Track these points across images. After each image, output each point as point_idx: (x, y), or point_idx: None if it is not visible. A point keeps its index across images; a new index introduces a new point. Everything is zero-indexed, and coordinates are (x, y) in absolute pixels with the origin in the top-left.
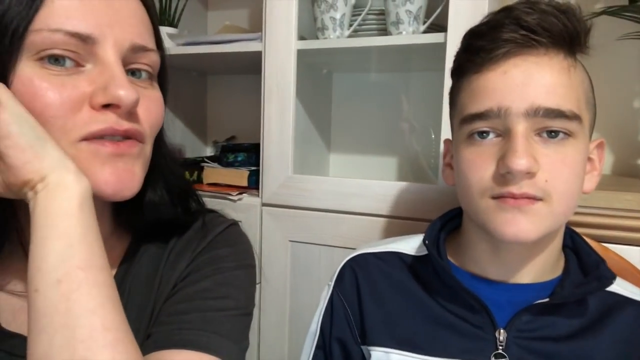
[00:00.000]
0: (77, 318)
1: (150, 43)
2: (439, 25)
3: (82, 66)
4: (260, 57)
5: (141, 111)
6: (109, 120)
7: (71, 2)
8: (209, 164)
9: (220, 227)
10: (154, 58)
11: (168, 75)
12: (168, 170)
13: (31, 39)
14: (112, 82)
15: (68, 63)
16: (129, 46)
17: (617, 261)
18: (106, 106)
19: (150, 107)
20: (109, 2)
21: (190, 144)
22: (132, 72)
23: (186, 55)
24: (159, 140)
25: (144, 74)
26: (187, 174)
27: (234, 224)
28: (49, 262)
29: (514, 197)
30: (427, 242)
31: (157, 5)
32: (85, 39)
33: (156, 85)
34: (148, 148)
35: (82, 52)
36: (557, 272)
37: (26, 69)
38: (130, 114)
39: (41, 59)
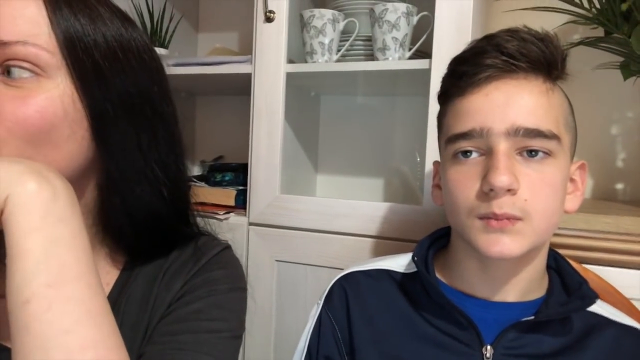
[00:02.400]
0: (51, 340)
1: (17, 35)
2: (424, 52)
3: None
4: (250, 79)
5: None
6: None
7: None
8: (196, 183)
9: (214, 250)
10: (24, 51)
11: (124, 78)
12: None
13: None
14: None
15: None
16: None
17: (596, 282)
18: None
19: (6, 107)
20: None
21: None
22: (8, 72)
23: (176, 76)
24: (139, 152)
25: (15, 72)
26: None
27: (228, 247)
28: (15, 283)
29: (496, 218)
30: (416, 258)
31: (149, 26)
32: None
33: (50, 83)
34: (3, 153)
35: None
36: (542, 291)
37: None
38: None
39: None
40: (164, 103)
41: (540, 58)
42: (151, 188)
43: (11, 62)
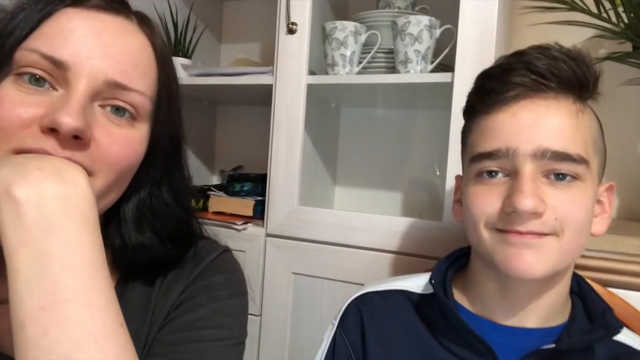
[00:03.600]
0: None
1: (136, 84)
2: (446, 65)
3: (56, 90)
4: (271, 90)
5: (97, 145)
6: (47, 144)
7: (60, 29)
8: (215, 193)
9: (213, 254)
10: (137, 100)
11: (175, 123)
12: (163, 213)
13: (15, 56)
14: (62, 107)
15: (46, 85)
16: (104, 80)
17: (622, 307)
18: (53, 130)
19: (112, 144)
20: (101, 35)
21: (197, 172)
22: (117, 110)
23: (198, 86)
24: (155, 183)
25: (126, 114)
26: (193, 202)
27: (227, 250)
28: (11, 304)
29: (519, 233)
30: (433, 281)
31: (173, 36)
32: (58, 64)
33: (140, 126)
34: (98, 182)
35: (56, 76)
36: (564, 317)
37: (3, 83)
38: (77, 145)
39: (18, 74)
40: (183, 141)
41: (571, 78)
42: (160, 217)
43: (121, 104)
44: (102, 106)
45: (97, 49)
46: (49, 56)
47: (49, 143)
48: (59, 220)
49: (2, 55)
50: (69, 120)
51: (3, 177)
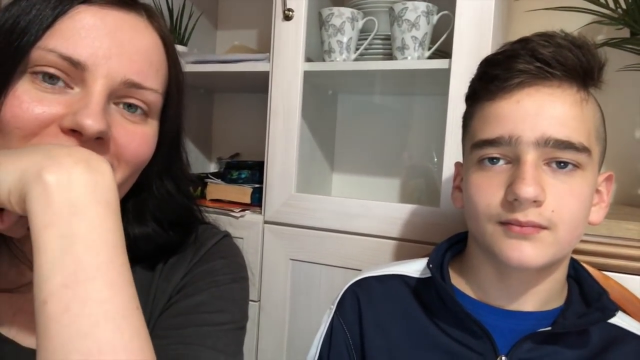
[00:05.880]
0: (69, 343)
1: (150, 82)
2: (444, 52)
3: (71, 88)
4: (267, 77)
5: (116, 143)
6: (68, 144)
7: (76, 28)
8: (212, 180)
9: (213, 239)
10: (150, 97)
11: (180, 115)
12: (166, 203)
13: (32, 55)
14: (84, 109)
15: (60, 83)
16: (121, 81)
17: (618, 290)
18: (74, 131)
19: (130, 142)
20: (116, 34)
21: (194, 160)
22: (129, 106)
23: (195, 73)
24: (157, 174)
25: (139, 110)
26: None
27: (227, 235)
28: (35, 281)
29: (519, 224)
30: (431, 265)
31: (168, 23)
32: (75, 64)
33: (152, 122)
34: (116, 178)
35: (73, 75)
36: (560, 301)
37: (19, 81)
38: (98, 144)
39: (34, 73)
40: (183, 130)
41: (576, 66)
42: (163, 206)
43: (135, 102)
44: (115, 103)
45: (113, 49)
46: (67, 57)
47: (70, 143)
48: (86, 204)
49: (18, 55)
50: (92, 123)
51: (36, 161)
